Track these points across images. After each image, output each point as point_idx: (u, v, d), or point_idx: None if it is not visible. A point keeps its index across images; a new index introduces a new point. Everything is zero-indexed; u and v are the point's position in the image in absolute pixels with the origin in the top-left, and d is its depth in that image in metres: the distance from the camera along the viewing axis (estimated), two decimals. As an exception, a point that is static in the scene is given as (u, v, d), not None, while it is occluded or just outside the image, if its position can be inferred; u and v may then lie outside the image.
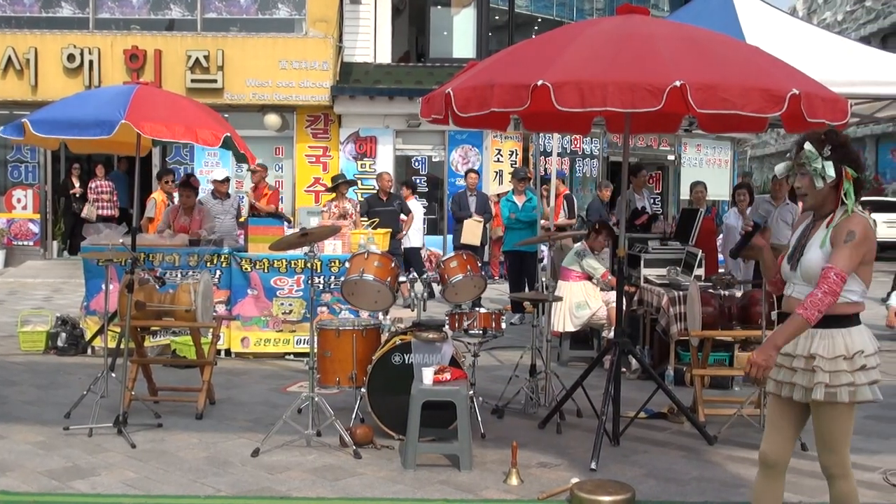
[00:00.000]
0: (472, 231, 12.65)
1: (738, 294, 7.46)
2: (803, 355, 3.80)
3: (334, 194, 11.49)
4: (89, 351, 9.31)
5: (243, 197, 14.42)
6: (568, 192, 12.94)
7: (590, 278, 8.86)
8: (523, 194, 12.13)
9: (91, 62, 17.70)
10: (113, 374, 6.69)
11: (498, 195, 15.86)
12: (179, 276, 8.91)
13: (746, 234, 4.24)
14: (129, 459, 5.75)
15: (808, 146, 3.81)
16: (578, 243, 9.15)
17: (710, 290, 7.41)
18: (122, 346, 6.70)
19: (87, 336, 9.30)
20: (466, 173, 13.78)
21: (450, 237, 14.12)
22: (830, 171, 3.77)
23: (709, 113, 5.18)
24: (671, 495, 5.23)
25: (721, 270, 10.20)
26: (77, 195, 18.30)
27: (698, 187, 11.84)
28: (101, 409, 6.30)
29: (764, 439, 4.05)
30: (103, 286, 7.04)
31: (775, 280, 4.19)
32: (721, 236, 12.11)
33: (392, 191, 13.01)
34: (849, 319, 3.78)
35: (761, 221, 4.11)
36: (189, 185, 10.33)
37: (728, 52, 5.66)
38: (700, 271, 8.39)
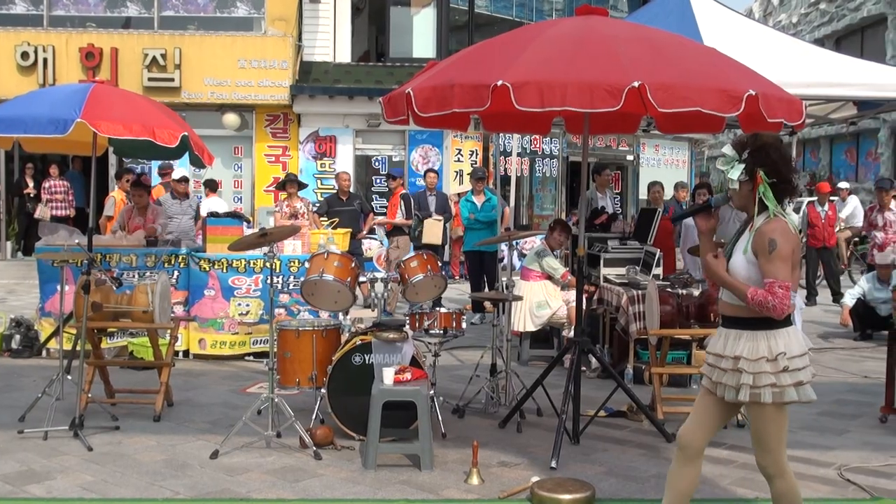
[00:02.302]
0: (432, 231, 12.64)
1: (696, 293, 7.54)
2: (730, 356, 3.88)
3: (287, 193, 11.43)
4: (44, 353, 9.18)
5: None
6: (405, 191, 12.93)
7: (550, 278, 8.90)
8: (482, 194, 12.16)
9: (45, 60, 17.47)
10: (69, 377, 6.59)
11: (458, 195, 15.88)
12: (137, 276, 8.82)
13: (693, 208, 4.29)
14: (85, 463, 5.67)
15: (727, 149, 3.93)
16: (539, 243, 9.18)
17: (669, 289, 7.48)
18: (77, 347, 6.60)
19: (42, 338, 9.17)
20: (426, 173, 13.76)
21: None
22: (734, 175, 3.88)
23: (667, 112, 5.22)
24: (631, 493, 5.27)
25: (679, 269, 10.31)
26: (31, 195, 18.04)
27: (656, 187, 11.96)
28: (56, 411, 6.21)
29: (685, 423, 4.13)
30: (58, 287, 6.94)
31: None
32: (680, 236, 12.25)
33: (352, 190, 12.97)
34: (774, 321, 3.83)
35: (714, 203, 4.16)
36: (140, 183, 10.22)
37: (686, 53, 5.71)
38: (658, 270, 8.46)
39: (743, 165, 3.87)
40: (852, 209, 15.35)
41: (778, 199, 3.86)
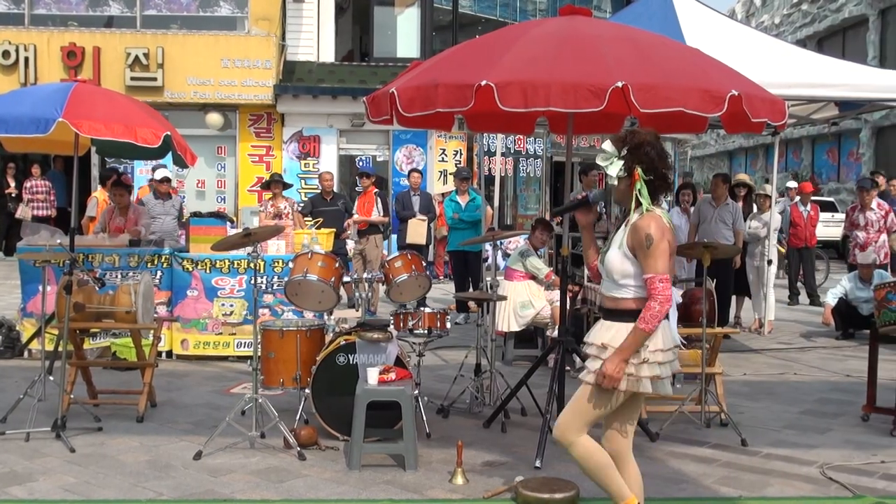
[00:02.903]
0: (416, 231, 12.64)
1: (679, 292, 7.56)
2: (597, 343, 3.98)
3: (272, 193, 11.42)
4: (26, 354, 9.12)
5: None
6: (378, 189, 12.95)
7: (534, 278, 8.91)
8: (466, 194, 12.17)
9: (27, 59, 17.37)
10: (51, 378, 6.55)
11: (442, 194, 15.88)
12: (119, 277, 8.77)
13: (572, 203, 4.33)
14: (68, 464, 5.64)
15: (607, 145, 4.01)
16: (522, 243, 9.19)
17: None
18: (60, 348, 6.56)
19: (24, 338, 9.11)
20: (409, 173, 13.76)
21: (394, 237, 14.09)
22: (612, 171, 3.97)
23: (650, 112, 5.23)
24: (615, 492, 5.27)
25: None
26: (12, 195, 17.92)
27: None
28: (38, 413, 6.17)
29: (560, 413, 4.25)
30: (40, 288, 6.90)
31: (593, 266, 4.34)
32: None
33: (336, 190, 12.95)
34: (639, 314, 3.89)
35: (593, 199, 4.22)
36: (121, 183, 10.16)
37: (669, 53, 5.73)
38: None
39: (622, 162, 3.96)
40: None
41: (654, 195, 3.96)
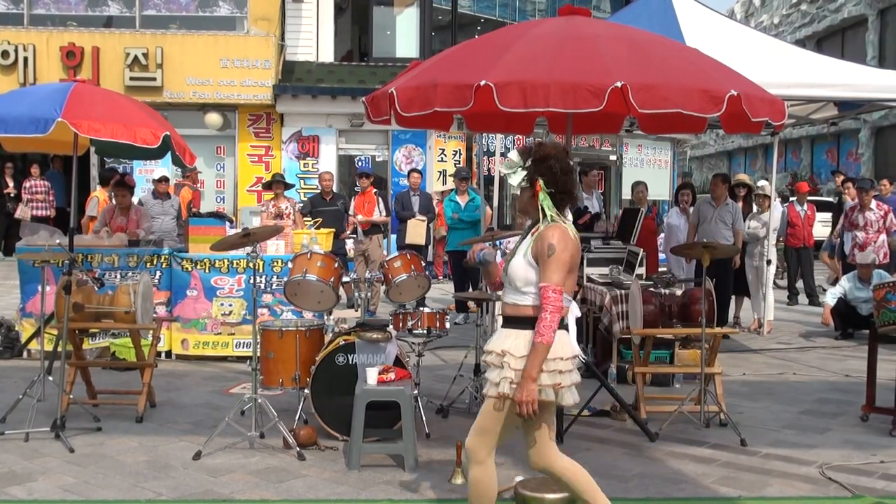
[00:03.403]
0: (415, 231, 12.63)
1: (679, 292, 7.57)
2: (497, 351, 3.95)
3: (274, 193, 11.43)
4: (25, 354, 9.12)
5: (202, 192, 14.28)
6: (377, 189, 12.94)
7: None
8: (466, 194, 12.17)
9: (26, 59, 17.36)
10: (50, 378, 6.55)
11: (441, 193, 15.87)
12: (119, 277, 8.77)
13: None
14: (67, 464, 5.64)
15: (513, 154, 4.02)
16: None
17: (652, 289, 7.50)
18: (59, 348, 6.56)
19: (23, 339, 9.11)
20: (409, 173, 13.75)
21: (393, 237, 14.09)
22: (515, 180, 3.99)
23: (649, 113, 5.24)
24: (614, 492, 5.27)
25: (662, 269, 10.34)
26: (11, 195, 17.91)
27: (639, 187, 11.99)
28: (37, 413, 6.17)
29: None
30: (39, 288, 6.89)
31: (497, 280, 4.36)
32: (662, 235, 12.29)
33: (335, 190, 12.94)
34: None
35: (482, 259, 4.25)
36: (124, 184, 10.16)
37: (668, 53, 5.73)
38: (641, 270, 8.48)
39: (525, 172, 3.98)
40: None
41: (558, 208, 3.97)
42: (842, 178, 13.71)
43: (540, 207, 3.95)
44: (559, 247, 3.84)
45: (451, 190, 13.12)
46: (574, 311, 4.18)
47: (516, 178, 3.98)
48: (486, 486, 4.10)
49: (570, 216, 4.06)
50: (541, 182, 3.93)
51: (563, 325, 4.00)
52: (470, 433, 4.12)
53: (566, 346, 3.97)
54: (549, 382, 3.88)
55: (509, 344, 3.93)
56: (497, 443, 4.10)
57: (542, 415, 3.98)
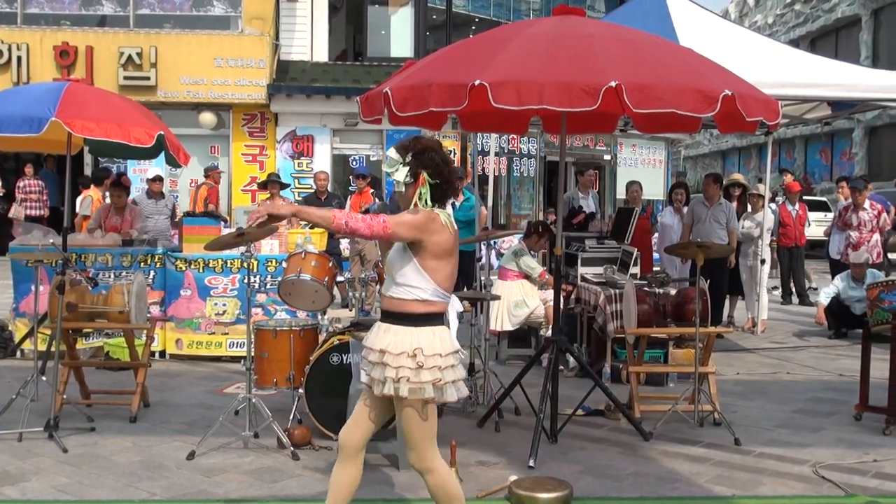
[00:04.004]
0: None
1: (673, 292, 7.58)
2: (376, 350, 3.95)
3: (268, 194, 11.42)
4: (19, 354, 9.09)
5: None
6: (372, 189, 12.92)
7: (527, 277, 8.91)
8: (461, 193, 12.15)
9: (20, 58, 17.32)
10: (43, 378, 6.54)
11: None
12: (112, 276, 8.76)
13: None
14: (60, 464, 5.63)
15: (392, 152, 4.02)
16: (517, 242, 9.18)
17: (646, 288, 7.51)
18: (52, 348, 6.55)
19: (17, 339, 9.08)
20: None
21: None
22: (399, 177, 3.97)
23: (643, 112, 5.24)
24: (608, 491, 5.29)
25: (656, 269, 10.36)
26: (3, 194, 17.86)
27: (634, 187, 12.01)
28: (31, 413, 6.15)
29: (346, 425, 4.19)
30: (33, 288, 6.88)
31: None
32: (656, 235, 12.31)
33: (330, 190, 12.93)
34: (420, 318, 3.91)
35: (373, 211, 4.24)
36: (120, 184, 10.15)
37: (662, 53, 5.74)
38: (636, 269, 8.49)
39: (407, 168, 3.97)
40: None
41: (441, 198, 4.00)
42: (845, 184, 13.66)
43: (414, 200, 3.95)
44: (422, 216, 3.86)
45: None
46: (455, 306, 4.18)
47: (400, 175, 3.96)
48: (447, 488, 4.08)
49: (449, 208, 4.05)
50: (425, 174, 3.93)
51: (444, 321, 4.01)
52: (346, 425, 4.13)
53: (445, 341, 3.96)
54: (429, 379, 3.87)
55: (387, 341, 3.91)
56: (434, 444, 4.07)
57: (422, 413, 3.97)
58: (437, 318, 3.97)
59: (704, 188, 10.86)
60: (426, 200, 3.94)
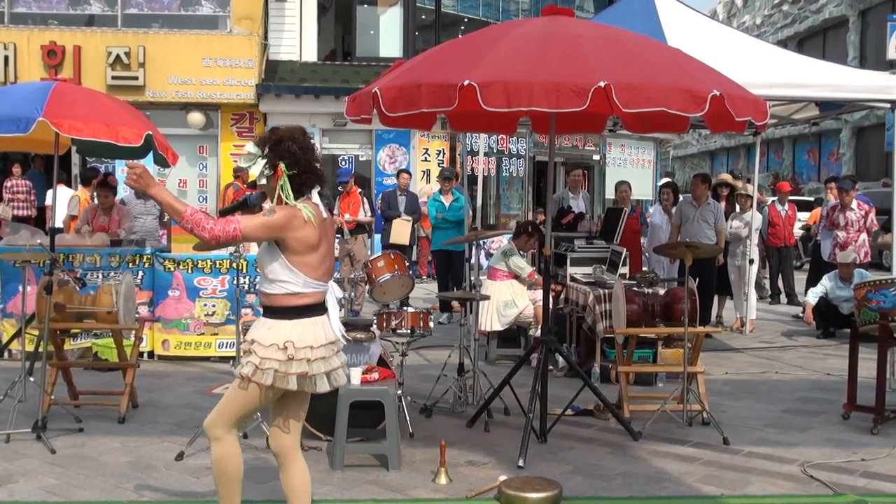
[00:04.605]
0: (400, 231, 12.62)
1: (662, 292, 7.60)
2: (249, 340, 3.99)
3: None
4: (6, 354, 9.04)
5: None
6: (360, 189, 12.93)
7: (517, 277, 8.92)
8: (450, 194, 12.16)
9: (6, 58, 17.21)
10: (31, 378, 6.51)
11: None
12: (101, 277, 8.73)
13: (233, 205, 4.28)
14: (48, 465, 5.60)
15: (250, 146, 4.01)
16: (506, 242, 9.18)
17: (635, 288, 7.53)
18: (40, 349, 6.52)
19: (4, 339, 9.04)
20: (399, 173, 13.73)
21: (377, 236, 14.08)
22: (256, 171, 3.96)
23: (632, 112, 5.25)
24: (597, 491, 5.30)
25: (644, 269, 10.38)
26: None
27: (623, 187, 12.03)
28: (18, 414, 6.13)
29: (271, 433, 4.23)
30: (20, 288, 6.85)
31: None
32: (648, 234, 12.34)
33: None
34: (294, 311, 3.94)
35: (252, 201, 4.16)
36: (107, 184, 10.11)
37: (651, 53, 5.76)
38: (625, 269, 8.51)
39: (265, 161, 3.96)
40: None
41: (303, 188, 3.98)
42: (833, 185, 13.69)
43: (276, 194, 3.94)
44: (279, 216, 3.83)
45: (436, 190, 13.11)
46: (335, 292, 4.18)
47: (257, 169, 3.94)
48: (227, 464, 4.07)
49: (316, 196, 4.05)
50: (282, 166, 3.91)
51: (322, 310, 4.03)
52: (211, 413, 4.13)
53: (319, 333, 3.98)
54: (296, 371, 3.90)
55: (260, 334, 3.95)
56: (238, 423, 4.11)
57: (294, 402, 4.02)
58: (313, 309, 3.99)
59: (693, 188, 10.89)
60: (288, 193, 3.91)
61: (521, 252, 9.09)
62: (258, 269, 4.07)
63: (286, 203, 3.91)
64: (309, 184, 4.00)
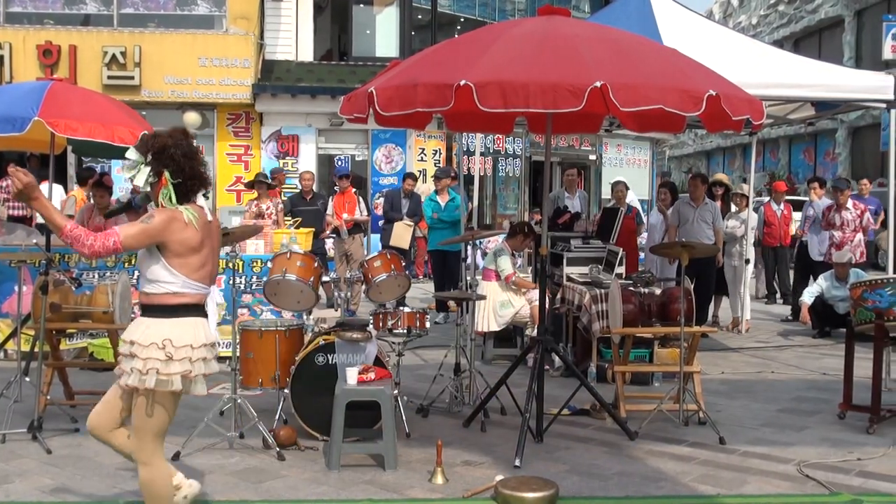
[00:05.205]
0: (400, 235, 12.63)
1: (658, 291, 7.59)
2: (127, 341, 3.96)
3: (257, 193, 11.40)
4: (2, 355, 9.03)
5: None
6: (356, 188, 12.94)
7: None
8: (447, 194, 12.16)
9: (2, 57, 17.20)
10: (27, 379, 6.50)
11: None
12: (96, 277, 8.71)
13: (118, 207, 4.25)
14: (44, 466, 5.60)
15: (131, 153, 3.96)
16: (499, 242, 9.17)
17: (631, 288, 7.52)
18: (36, 349, 6.51)
19: (0, 339, 9.02)
20: (405, 177, 13.71)
21: (376, 237, 14.08)
22: (140, 181, 3.92)
23: (628, 112, 5.25)
24: (594, 490, 5.30)
25: (641, 269, 10.39)
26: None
27: (619, 186, 12.02)
28: (14, 414, 6.13)
29: (95, 408, 4.19)
30: (16, 288, 6.84)
31: None
32: (645, 234, 12.35)
33: (315, 189, 12.92)
34: (172, 309, 3.92)
35: (136, 203, 4.16)
36: (102, 184, 10.09)
37: (647, 53, 5.76)
38: (621, 269, 8.51)
39: (149, 168, 3.93)
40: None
41: (189, 194, 3.96)
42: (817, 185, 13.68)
43: (160, 201, 3.91)
44: (157, 220, 3.82)
45: (433, 190, 13.11)
46: (216, 298, 4.17)
47: (141, 177, 3.91)
48: (158, 486, 4.04)
49: (201, 199, 4.06)
50: (167, 174, 3.87)
51: (202, 312, 4.02)
52: (94, 410, 4.13)
53: (199, 333, 3.97)
54: (179, 370, 3.88)
55: (138, 334, 3.92)
56: (161, 440, 4.08)
57: (161, 406, 3.97)
58: (191, 309, 3.98)
59: (691, 188, 10.89)
60: (170, 198, 3.89)
61: (516, 253, 9.08)
62: (138, 270, 4.05)
63: (165, 206, 3.90)
64: (194, 189, 3.98)
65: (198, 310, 4.02)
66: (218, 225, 4.18)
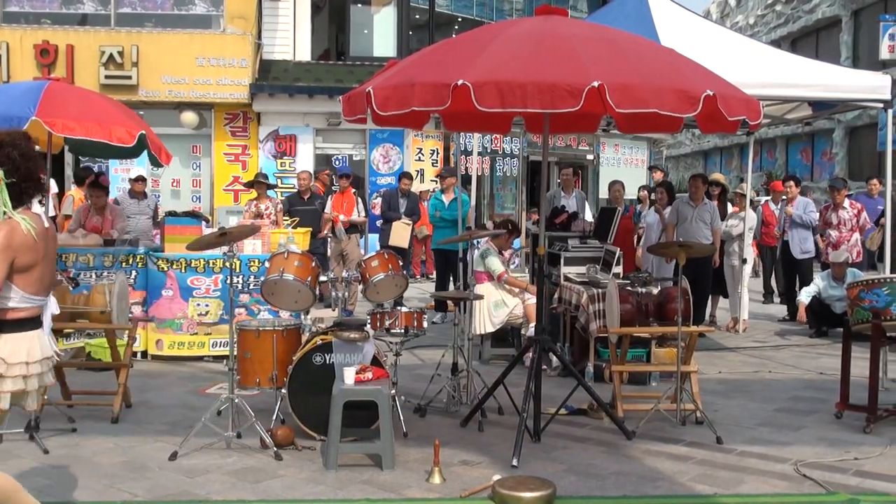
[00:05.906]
0: (399, 234, 12.63)
1: (655, 291, 7.60)
2: None
3: (255, 193, 11.39)
4: None
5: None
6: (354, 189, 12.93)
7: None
8: (451, 192, 12.17)
9: (-1, 57, 17.18)
10: (24, 379, 6.48)
11: (429, 192, 15.83)
12: (94, 276, 8.71)
13: None
14: (41, 466, 5.59)
15: None
16: (482, 243, 9.13)
17: (628, 288, 7.53)
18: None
19: None
20: (401, 177, 13.72)
21: (373, 237, 14.08)
22: None
23: (625, 112, 5.26)
24: (591, 490, 5.30)
25: (638, 268, 10.40)
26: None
27: (616, 186, 12.04)
28: (11, 413, 6.08)
29: None
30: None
31: None
32: (643, 234, 12.35)
33: (312, 189, 12.92)
34: (5, 324, 3.77)
35: None
36: (98, 184, 10.08)
37: (645, 53, 5.77)
38: (618, 269, 8.52)
39: None
40: None
41: (23, 196, 3.79)
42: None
43: None
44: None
45: (438, 189, 13.12)
46: (51, 308, 4.04)
47: None
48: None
49: (36, 206, 3.90)
50: (0, 174, 3.70)
51: (38, 325, 3.89)
52: None
53: (35, 348, 3.84)
54: (11, 388, 3.77)
55: (7, 351, 3.76)
56: None
57: None
58: (26, 324, 3.82)
59: (691, 189, 10.89)
60: (6, 201, 3.71)
61: (501, 250, 9.06)
62: None
63: (4, 216, 3.69)
64: (29, 193, 3.81)
65: (33, 323, 3.87)
66: (54, 231, 3.99)
